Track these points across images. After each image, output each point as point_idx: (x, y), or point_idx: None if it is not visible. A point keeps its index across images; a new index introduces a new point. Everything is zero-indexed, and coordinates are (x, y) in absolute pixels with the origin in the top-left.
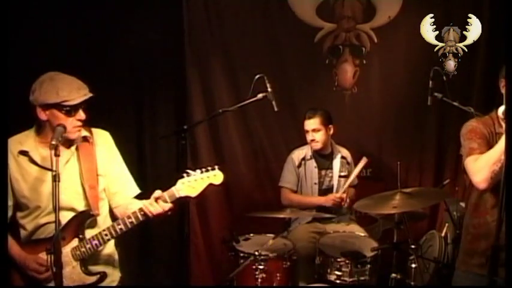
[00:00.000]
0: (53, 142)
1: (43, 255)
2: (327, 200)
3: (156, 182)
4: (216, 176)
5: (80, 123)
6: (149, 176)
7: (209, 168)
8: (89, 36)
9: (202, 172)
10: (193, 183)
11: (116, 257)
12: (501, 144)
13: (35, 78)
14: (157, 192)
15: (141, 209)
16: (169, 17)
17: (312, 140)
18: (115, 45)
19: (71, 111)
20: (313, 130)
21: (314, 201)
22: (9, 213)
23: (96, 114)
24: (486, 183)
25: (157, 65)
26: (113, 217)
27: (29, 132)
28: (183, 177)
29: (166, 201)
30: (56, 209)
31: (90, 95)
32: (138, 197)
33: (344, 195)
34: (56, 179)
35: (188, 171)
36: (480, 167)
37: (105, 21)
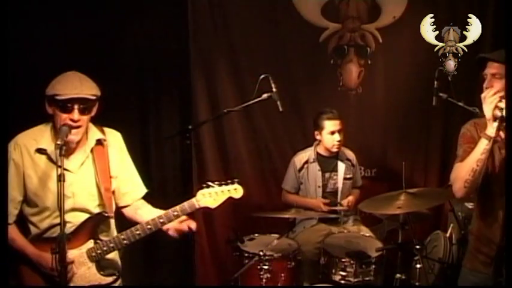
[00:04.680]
0: (58, 142)
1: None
2: (316, 203)
3: (161, 182)
4: (236, 190)
5: (73, 124)
6: (154, 176)
7: (229, 181)
8: (95, 37)
9: (222, 185)
10: (213, 195)
11: (119, 262)
12: (474, 154)
13: (38, 79)
14: (179, 209)
15: (160, 217)
16: (174, 18)
17: (339, 141)
18: (120, 46)
19: (64, 107)
20: (339, 131)
21: (307, 203)
22: (17, 209)
23: (102, 115)
24: (460, 192)
25: (163, 66)
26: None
27: (44, 128)
28: (203, 188)
29: (186, 211)
30: (61, 208)
31: (83, 95)
32: (145, 196)
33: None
34: (60, 178)
35: (209, 183)
36: (455, 178)
37: (111, 22)
